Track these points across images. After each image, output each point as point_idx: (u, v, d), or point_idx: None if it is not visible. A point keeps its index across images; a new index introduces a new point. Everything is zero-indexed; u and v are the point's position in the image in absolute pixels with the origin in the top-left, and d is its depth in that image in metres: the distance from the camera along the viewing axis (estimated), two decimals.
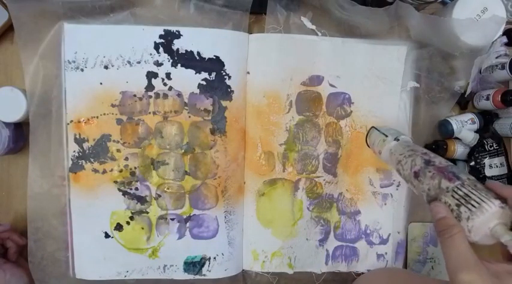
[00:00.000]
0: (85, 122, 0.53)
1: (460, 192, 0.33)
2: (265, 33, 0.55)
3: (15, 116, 0.51)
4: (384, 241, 0.59)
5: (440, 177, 0.36)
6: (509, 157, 0.58)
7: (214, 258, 0.56)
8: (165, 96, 0.53)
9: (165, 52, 0.53)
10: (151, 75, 0.53)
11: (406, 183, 0.41)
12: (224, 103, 0.54)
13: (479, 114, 0.58)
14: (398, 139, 0.45)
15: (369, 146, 0.52)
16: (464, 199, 0.32)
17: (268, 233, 0.58)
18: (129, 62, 0.53)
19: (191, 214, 0.55)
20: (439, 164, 0.38)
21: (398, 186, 0.58)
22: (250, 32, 0.55)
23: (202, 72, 0.53)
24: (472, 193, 0.32)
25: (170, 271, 0.56)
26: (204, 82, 0.53)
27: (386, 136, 0.47)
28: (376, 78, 0.57)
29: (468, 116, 0.57)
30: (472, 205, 0.31)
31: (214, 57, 0.53)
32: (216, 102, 0.54)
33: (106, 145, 0.53)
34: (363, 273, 0.60)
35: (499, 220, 0.30)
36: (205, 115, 0.54)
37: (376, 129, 0.50)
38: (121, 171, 0.54)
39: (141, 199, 0.55)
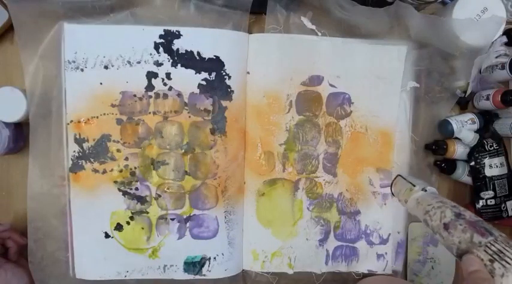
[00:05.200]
0: (85, 122, 0.53)
1: (493, 248, 0.33)
2: (265, 33, 0.55)
3: (15, 116, 0.51)
4: (384, 241, 0.59)
5: (472, 231, 0.36)
6: (509, 157, 0.58)
7: (214, 258, 0.56)
8: (165, 96, 0.53)
9: (165, 52, 0.53)
10: (151, 75, 0.53)
11: (434, 234, 0.41)
12: (224, 103, 0.54)
13: (479, 114, 0.58)
14: (425, 190, 0.46)
15: (393, 194, 0.52)
16: (498, 256, 0.32)
17: (268, 233, 0.58)
18: (129, 62, 0.53)
19: (191, 214, 0.55)
20: (470, 218, 0.38)
21: None
22: (250, 32, 0.55)
23: (202, 72, 0.53)
24: (505, 249, 0.33)
25: (170, 271, 0.56)
26: (204, 82, 0.53)
27: (414, 185, 0.47)
28: (376, 78, 0.57)
29: (468, 116, 0.57)
30: (507, 262, 0.32)
31: (214, 57, 0.53)
32: (216, 102, 0.54)
33: (106, 145, 0.53)
34: (363, 273, 0.60)
35: None
36: (205, 115, 0.54)
37: (402, 177, 0.51)
38: (121, 171, 0.54)
39: (141, 199, 0.55)
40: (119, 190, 0.54)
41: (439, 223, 0.40)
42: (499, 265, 0.32)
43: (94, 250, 0.55)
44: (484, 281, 0.32)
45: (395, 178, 0.52)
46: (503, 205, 0.57)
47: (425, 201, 0.44)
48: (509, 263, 0.32)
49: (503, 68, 0.54)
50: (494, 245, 0.33)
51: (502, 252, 0.32)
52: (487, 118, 0.58)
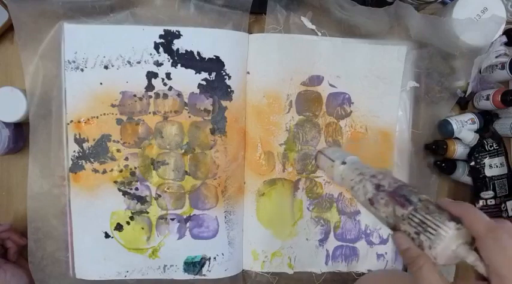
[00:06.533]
0: (85, 122, 0.53)
1: (415, 219, 0.31)
2: (265, 33, 0.55)
3: (15, 116, 0.51)
4: (383, 241, 0.59)
5: (394, 203, 0.33)
6: (509, 157, 0.58)
7: (215, 258, 0.56)
8: (165, 96, 0.53)
9: (165, 52, 0.53)
10: (151, 75, 0.53)
11: (367, 210, 0.37)
12: (224, 103, 0.54)
13: (479, 114, 0.57)
14: (345, 162, 0.41)
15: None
16: (421, 227, 0.31)
17: (268, 233, 0.58)
18: (129, 62, 0.53)
19: (191, 214, 0.55)
20: (389, 188, 0.35)
21: None
22: (250, 32, 0.55)
23: (202, 72, 0.53)
24: (426, 218, 0.31)
25: (170, 271, 0.56)
26: (204, 82, 0.53)
27: (333, 160, 0.42)
28: (376, 78, 0.57)
29: (468, 116, 0.57)
30: (430, 233, 0.30)
31: (214, 57, 0.53)
32: (216, 102, 0.54)
33: (106, 145, 0.53)
34: (363, 273, 0.60)
35: (459, 241, 0.29)
36: (205, 115, 0.54)
37: (321, 153, 0.45)
38: (121, 171, 0.54)
39: (141, 199, 0.55)
40: (119, 190, 0.54)
41: (364, 199, 0.36)
42: (424, 237, 0.30)
43: (94, 250, 0.55)
44: (417, 258, 0.30)
45: (316, 155, 0.46)
46: (503, 205, 0.57)
47: (348, 175, 0.40)
48: (432, 234, 0.29)
49: (503, 67, 0.54)
50: (415, 216, 0.31)
51: (423, 222, 0.30)
52: (487, 118, 0.58)
